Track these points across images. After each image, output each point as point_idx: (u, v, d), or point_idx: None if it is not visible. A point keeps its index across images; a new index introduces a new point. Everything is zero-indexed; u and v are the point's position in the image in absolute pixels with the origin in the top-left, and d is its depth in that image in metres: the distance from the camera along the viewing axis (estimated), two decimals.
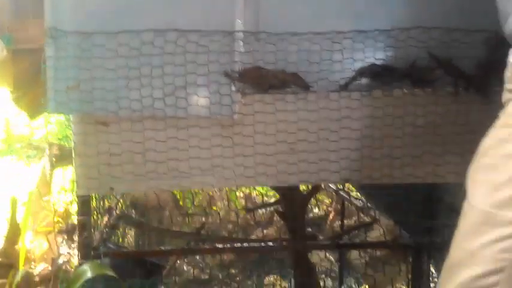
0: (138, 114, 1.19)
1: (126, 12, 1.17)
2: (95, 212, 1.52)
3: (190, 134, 1.23)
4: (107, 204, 1.66)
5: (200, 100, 1.21)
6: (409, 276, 1.81)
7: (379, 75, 1.31)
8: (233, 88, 1.22)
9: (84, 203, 1.31)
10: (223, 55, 1.20)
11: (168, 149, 1.23)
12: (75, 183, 1.21)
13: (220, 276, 2.53)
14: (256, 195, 2.78)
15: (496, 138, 0.81)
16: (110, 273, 1.27)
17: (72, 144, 1.20)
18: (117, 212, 1.65)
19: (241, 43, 1.21)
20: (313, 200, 2.18)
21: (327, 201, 2.69)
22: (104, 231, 1.54)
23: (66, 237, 2.11)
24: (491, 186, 0.77)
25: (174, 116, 1.20)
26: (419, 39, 1.27)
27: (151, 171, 1.23)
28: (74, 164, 1.21)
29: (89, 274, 1.23)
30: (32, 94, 2.69)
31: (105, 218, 1.60)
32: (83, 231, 1.33)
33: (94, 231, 1.47)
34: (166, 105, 1.19)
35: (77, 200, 1.35)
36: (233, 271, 2.53)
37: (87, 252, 1.39)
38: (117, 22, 1.16)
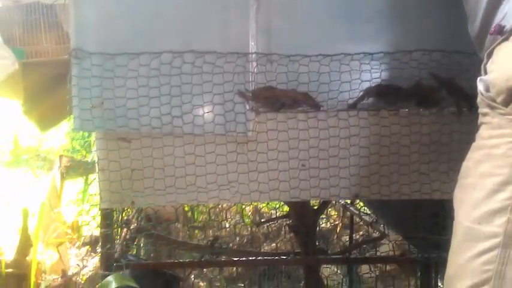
0: (158, 131, 1.24)
1: (147, 35, 1.23)
2: (115, 225, 1.57)
3: (207, 151, 1.29)
4: (124, 216, 1.71)
5: (216, 118, 1.26)
6: None
7: (385, 95, 1.36)
8: (247, 107, 1.27)
9: (106, 216, 1.36)
10: (238, 75, 1.26)
11: (186, 164, 1.28)
12: (98, 196, 1.26)
13: None
14: (264, 208, 2.82)
15: (473, 159, 0.88)
16: (133, 284, 1.32)
17: (96, 160, 1.26)
18: (135, 224, 1.70)
19: (254, 64, 1.27)
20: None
21: (334, 214, 2.73)
22: (124, 243, 1.59)
23: (89, 248, 2.16)
24: (472, 203, 0.84)
25: (192, 133, 1.26)
26: (422, 61, 1.33)
27: (170, 185, 1.28)
28: (97, 179, 1.26)
29: (114, 285, 1.27)
30: (43, 106, 2.75)
31: (124, 231, 1.64)
32: (105, 243, 1.38)
33: (115, 243, 1.52)
34: (184, 123, 1.24)
35: (100, 212, 1.40)
36: (242, 284, 2.56)
37: (109, 264, 1.44)
38: (138, 44, 1.22)
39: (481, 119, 0.90)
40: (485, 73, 0.89)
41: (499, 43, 0.86)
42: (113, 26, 1.23)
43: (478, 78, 0.91)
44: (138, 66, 1.22)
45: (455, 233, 0.88)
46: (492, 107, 0.85)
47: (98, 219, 1.43)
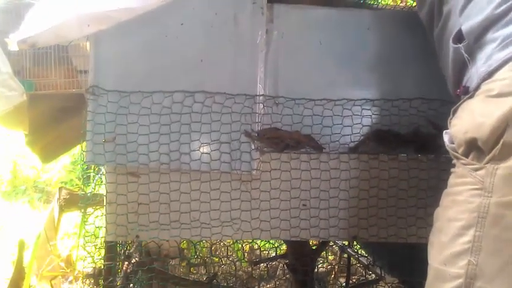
0: (166, 167, 1.28)
1: (162, 74, 1.29)
2: (117, 258, 1.58)
3: (212, 188, 1.33)
4: (129, 249, 1.72)
5: (222, 156, 1.31)
6: None
7: (385, 140, 1.42)
8: (252, 146, 1.32)
9: (110, 249, 1.37)
10: (245, 116, 1.31)
11: (191, 200, 1.32)
12: (104, 229, 1.28)
13: None
14: (261, 247, 2.82)
15: (442, 205, 0.95)
16: None
17: (104, 193, 1.29)
18: (136, 258, 1.71)
19: (261, 106, 1.33)
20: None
21: (331, 257, 2.73)
22: (126, 277, 1.59)
23: (92, 281, 2.14)
24: (440, 246, 0.90)
25: (198, 170, 1.30)
26: (420, 109, 1.40)
27: (175, 220, 1.31)
28: (104, 211, 1.29)
29: None
30: (46, 138, 2.79)
31: (125, 264, 1.65)
32: (108, 276, 1.39)
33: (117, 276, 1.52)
34: (192, 160, 1.29)
35: (104, 245, 1.42)
36: None
37: None
38: (152, 82, 1.28)
39: (451, 168, 0.96)
40: (450, 127, 0.98)
41: (464, 101, 0.95)
42: (130, 65, 1.29)
43: (444, 132, 1.00)
44: (151, 104, 1.28)
45: (428, 274, 0.94)
46: (457, 158, 0.93)
47: (96, 254, 1.45)
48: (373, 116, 1.40)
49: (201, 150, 1.30)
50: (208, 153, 1.30)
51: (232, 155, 1.31)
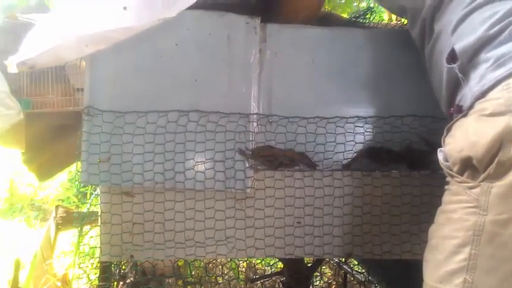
0: (160, 186, 1.29)
1: (156, 94, 1.30)
2: (112, 278, 1.57)
3: (206, 206, 1.33)
4: (123, 269, 1.71)
5: (217, 175, 1.32)
6: None
7: (378, 157, 1.43)
8: (247, 164, 1.33)
9: (105, 269, 1.37)
10: (239, 134, 1.33)
11: (185, 219, 1.32)
12: (98, 249, 1.28)
13: None
14: (258, 265, 2.81)
15: (437, 223, 0.97)
16: None
17: (99, 213, 1.29)
18: (131, 279, 1.70)
19: (255, 124, 1.34)
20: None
21: (328, 272, 2.72)
22: None
23: None
24: (435, 264, 0.91)
25: (193, 188, 1.31)
26: (412, 126, 1.42)
27: (170, 240, 1.32)
28: (99, 231, 1.29)
29: None
30: (43, 156, 2.79)
31: (120, 284, 1.64)
32: None
33: None
34: (186, 179, 1.30)
35: (98, 265, 1.41)
36: None
37: None
38: (147, 102, 1.30)
39: (445, 186, 0.97)
40: (444, 145, 0.99)
41: (458, 119, 0.96)
42: (125, 85, 1.30)
43: (438, 150, 1.01)
44: (145, 123, 1.29)
45: None
46: (451, 176, 0.94)
47: (91, 273, 1.44)
48: (365, 133, 1.41)
49: (196, 168, 1.31)
50: (203, 172, 1.31)
51: (227, 173, 1.32)
